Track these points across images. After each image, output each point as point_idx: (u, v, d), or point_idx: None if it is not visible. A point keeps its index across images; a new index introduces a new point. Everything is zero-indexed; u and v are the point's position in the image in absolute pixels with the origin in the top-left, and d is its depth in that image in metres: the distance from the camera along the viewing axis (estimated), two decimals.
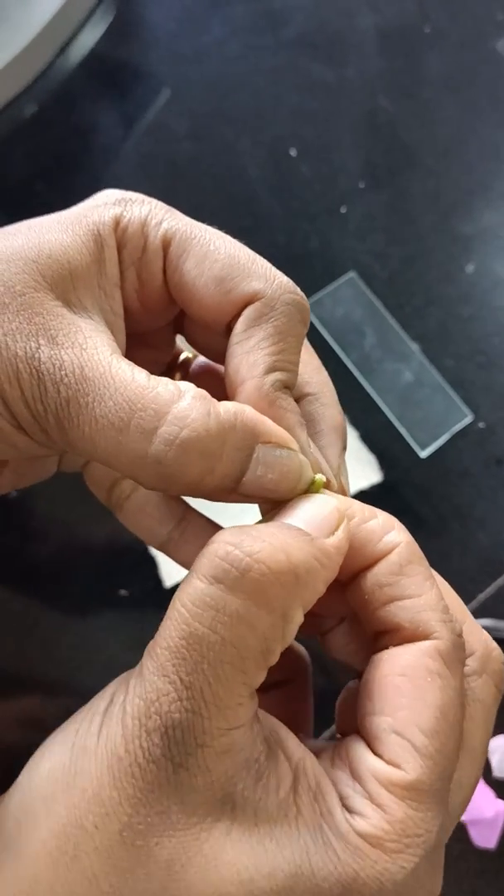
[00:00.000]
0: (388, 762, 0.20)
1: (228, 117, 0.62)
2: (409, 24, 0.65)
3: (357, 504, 0.23)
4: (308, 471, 0.23)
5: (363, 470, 0.51)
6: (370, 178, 0.59)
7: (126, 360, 0.21)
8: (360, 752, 0.21)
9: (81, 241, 0.23)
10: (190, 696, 0.19)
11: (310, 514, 0.22)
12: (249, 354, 0.23)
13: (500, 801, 0.46)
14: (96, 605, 0.48)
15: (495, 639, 0.25)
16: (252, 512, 0.27)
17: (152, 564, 0.48)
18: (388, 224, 0.58)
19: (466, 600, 0.49)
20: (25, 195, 0.60)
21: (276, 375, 0.23)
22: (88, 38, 0.67)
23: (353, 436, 0.52)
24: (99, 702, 0.21)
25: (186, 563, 0.27)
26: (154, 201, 0.25)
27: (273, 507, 0.24)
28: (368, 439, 0.52)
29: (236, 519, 0.28)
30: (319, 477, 0.23)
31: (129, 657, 0.21)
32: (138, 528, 0.28)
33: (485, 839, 0.46)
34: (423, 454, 0.51)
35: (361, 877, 0.19)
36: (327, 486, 0.24)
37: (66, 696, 0.47)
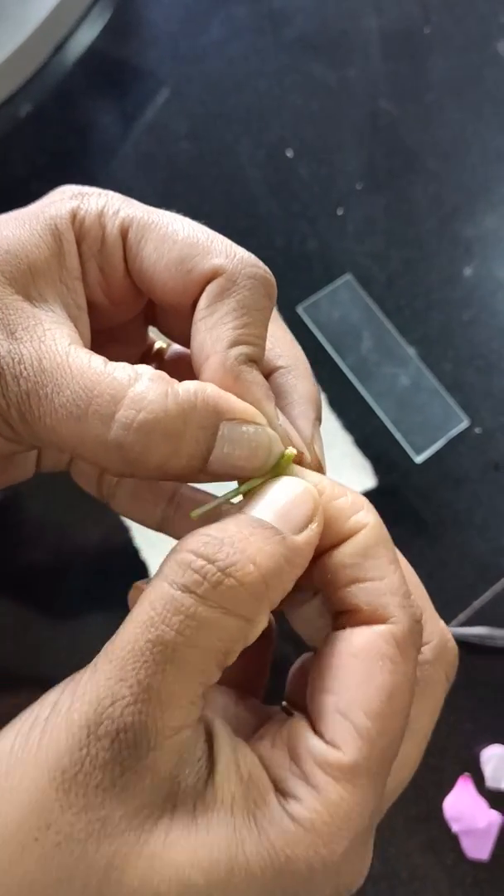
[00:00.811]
0: (328, 742, 0.20)
1: (228, 118, 0.62)
2: (411, 25, 0.65)
3: (327, 480, 0.23)
4: (277, 444, 0.22)
5: (357, 475, 0.50)
6: (369, 179, 0.59)
7: (85, 349, 0.21)
8: (302, 732, 0.21)
9: (39, 236, 0.23)
10: (146, 699, 0.19)
11: (282, 503, 0.22)
12: (213, 330, 0.23)
13: (493, 811, 0.45)
14: (89, 606, 0.48)
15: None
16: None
17: (143, 568, 0.48)
18: (387, 226, 0.57)
19: (462, 607, 0.48)
20: (22, 195, 0.59)
21: (241, 349, 0.23)
22: (86, 36, 0.66)
23: (347, 440, 0.51)
24: (38, 712, 0.20)
25: None
26: (110, 193, 0.25)
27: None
28: (364, 444, 0.51)
29: (223, 487, 0.28)
30: (290, 450, 0.23)
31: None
32: (133, 513, 0.28)
33: (478, 850, 0.45)
34: (419, 459, 0.51)
35: (293, 861, 0.19)
36: (299, 458, 0.24)
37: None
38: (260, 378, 0.23)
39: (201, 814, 0.19)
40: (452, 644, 0.24)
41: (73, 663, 0.45)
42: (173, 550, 0.21)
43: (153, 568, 0.47)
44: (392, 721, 0.20)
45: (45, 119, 0.63)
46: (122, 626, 0.20)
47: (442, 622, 0.24)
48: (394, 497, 0.50)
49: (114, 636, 0.20)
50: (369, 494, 0.49)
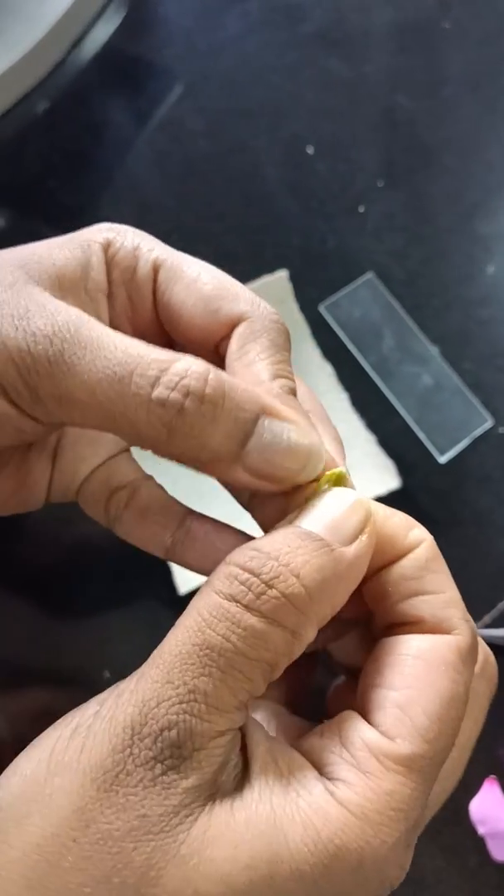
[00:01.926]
0: (384, 733, 0.20)
1: (244, 114, 0.61)
2: (428, 19, 0.64)
3: (375, 503, 0.23)
4: (319, 452, 0.22)
5: (381, 475, 0.50)
6: (388, 176, 0.58)
7: (120, 332, 0.22)
8: (354, 722, 0.21)
9: (69, 252, 0.24)
10: (192, 699, 0.19)
11: (332, 514, 0.22)
12: (251, 366, 0.24)
13: None
14: (110, 610, 0.48)
15: None
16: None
17: (166, 570, 0.47)
18: (407, 224, 0.57)
19: (486, 609, 0.48)
20: (37, 193, 0.59)
21: (283, 382, 0.24)
22: (101, 33, 0.66)
23: (370, 440, 0.51)
24: (79, 720, 0.20)
25: (196, 567, 0.27)
26: (145, 234, 0.26)
27: (278, 500, 0.23)
28: (386, 444, 0.51)
29: (237, 518, 0.28)
30: (340, 469, 0.23)
31: (142, 662, 0.21)
32: (140, 536, 0.28)
33: (503, 853, 0.45)
34: (442, 459, 0.50)
35: (342, 850, 0.19)
36: (343, 480, 0.24)
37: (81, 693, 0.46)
38: (304, 410, 0.24)
39: (239, 809, 0.19)
40: (492, 658, 0.25)
41: (94, 664, 0.46)
42: (223, 563, 0.21)
43: (177, 571, 0.47)
44: (448, 727, 0.21)
45: (61, 116, 0.62)
46: (169, 634, 0.20)
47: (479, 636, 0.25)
48: (416, 497, 0.50)
49: (161, 644, 0.20)
50: (393, 494, 0.49)
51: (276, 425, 0.22)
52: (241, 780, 0.20)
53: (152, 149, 0.61)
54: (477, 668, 0.23)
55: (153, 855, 0.18)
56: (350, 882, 0.19)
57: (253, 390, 0.22)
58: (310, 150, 0.60)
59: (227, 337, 0.25)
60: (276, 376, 0.24)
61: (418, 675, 0.21)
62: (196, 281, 0.25)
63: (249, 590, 0.20)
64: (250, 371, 0.24)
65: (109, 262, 0.25)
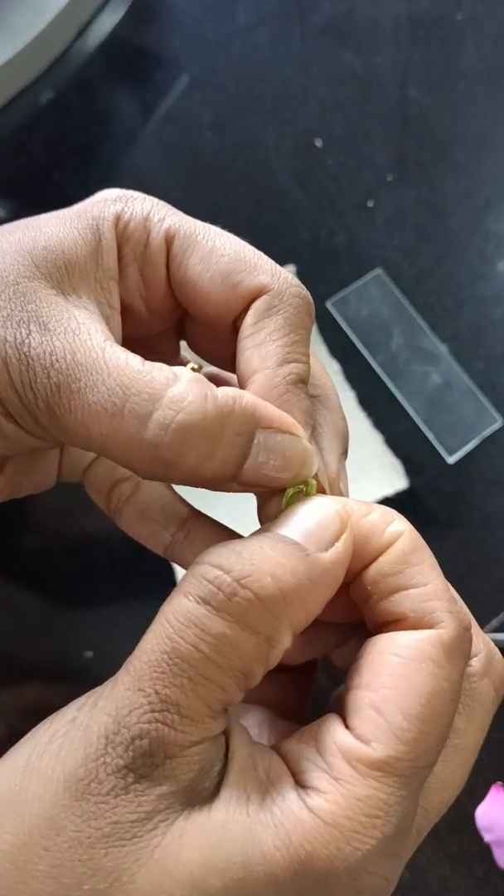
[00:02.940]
0: (358, 738, 0.19)
1: (254, 107, 0.60)
2: (441, 12, 0.63)
3: (353, 502, 0.23)
4: (312, 458, 0.22)
5: (388, 476, 0.49)
6: (399, 171, 0.57)
7: (120, 347, 0.21)
8: (331, 727, 0.20)
9: (78, 234, 0.23)
10: (164, 709, 0.18)
11: (308, 522, 0.21)
12: (262, 346, 0.23)
13: None
14: (112, 607, 0.47)
15: None
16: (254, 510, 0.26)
17: (170, 569, 0.47)
18: (418, 220, 0.56)
19: (494, 613, 0.47)
20: (43, 184, 0.58)
21: (291, 367, 0.23)
22: (107, 22, 0.65)
23: (378, 440, 0.50)
24: (55, 727, 0.20)
25: None
26: (155, 199, 0.25)
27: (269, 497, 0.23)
28: (394, 444, 0.50)
29: (239, 519, 0.27)
30: (312, 480, 0.22)
31: None
32: (141, 532, 0.27)
33: None
34: (451, 460, 0.49)
35: (313, 857, 0.18)
36: (321, 490, 0.23)
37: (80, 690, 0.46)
38: (305, 402, 0.23)
39: (216, 815, 0.19)
40: (500, 656, 0.24)
41: (99, 661, 0.45)
42: (194, 563, 0.20)
43: (179, 568, 0.46)
44: (430, 727, 0.19)
45: (66, 107, 0.61)
46: (142, 639, 0.20)
47: (486, 635, 0.24)
48: (425, 498, 0.49)
49: (135, 650, 0.20)
50: (400, 495, 0.48)
51: (272, 440, 0.21)
52: (220, 783, 0.19)
53: (159, 141, 0.60)
54: (479, 667, 0.22)
55: (125, 860, 0.18)
56: (322, 889, 0.19)
57: (249, 404, 0.21)
58: (318, 143, 0.59)
59: (245, 312, 0.23)
60: (286, 361, 0.23)
61: (395, 673, 0.20)
62: (212, 252, 0.23)
63: (220, 589, 0.19)
64: (260, 351, 0.23)
65: (120, 238, 0.23)
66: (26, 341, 0.20)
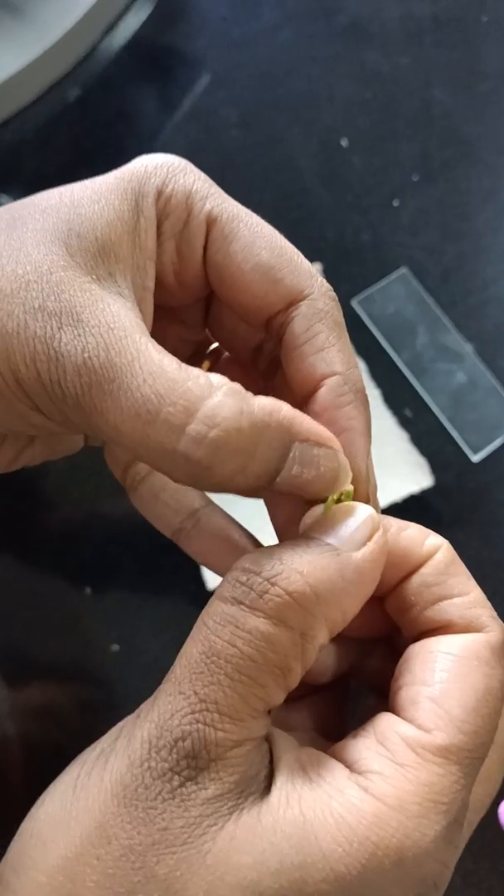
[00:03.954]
0: (420, 727, 0.20)
1: (279, 106, 0.61)
2: (466, 12, 0.63)
3: (390, 518, 0.23)
4: (347, 471, 0.22)
5: (413, 473, 0.49)
6: (424, 171, 0.57)
7: (155, 345, 0.20)
8: (389, 719, 0.21)
9: (114, 212, 0.22)
10: (204, 708, 0.18)
11: (339, 523, 0.21)
12: (324, 352, 0.23)
13: None
14: (137, 605, 0.47)
15: None
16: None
17: (195, 566, 0.47)
18: (443, 219, 0.56)
19: None
20: (68, 180, 0.58)
21: (355, 373, 0.23)
22: (134, 21, 0.65)
23: (403, 438, 0.50)
24: (104, 744, 0.20)
25: (199, 556, 0.27)
26: (197, 172, 0.24)
27: (293, 506, 0.23)
28: (419, 442, 0.50)
29: (252, 517, 0.28)
30: (349, 488, 0.23)
31: (170, 659, 0.21)
32: (151, 513, 0.27)
33: None
34: (476, 458, 0.50)
35: (380, 848, 0.18)
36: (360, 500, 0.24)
37: (108, 689, 0.46)
38: (368, 413, 0.23)
39: (266, 815, 0.19)
40: None
41: (123, 661, 0.44)
42: (229, 571, 0.21)
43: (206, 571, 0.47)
44: (485, 721, 0.20)
45: (92, 104, 0.62)
46: (183, 647, 0.20)
47: None
48: (449, 496, 0.49)
49: (176, 658, 0.20)
50: (425, 493, 0.48)
51: (308, 453, 0.21)
52: (269, 785, 0.19)
53: (185, 139, 0.60)
54: None
55: (177, 867, 0.18)
56: (389, 880, 0.18)
57: (286, 418, 0.20)
58: (344, 142, 0.59)
59: (283, 311, 0.23)
60: (351, 365, 0.23)
61: (451, 669, 0.21)
62: (253, 244, 0.23)
63: (252, 589, 0.19)
64: (323, 358, 0.23)
65: (161, 213, 0.23)
66: (56, 336, 0.19)
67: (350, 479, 0.22)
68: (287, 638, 0.19)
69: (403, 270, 0.54)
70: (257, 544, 0.26)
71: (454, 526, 0.48)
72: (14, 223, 0.22)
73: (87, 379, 0.19)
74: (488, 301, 0.53)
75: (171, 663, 0.20)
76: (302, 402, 0.23)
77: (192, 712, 0.19)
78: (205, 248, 0.24)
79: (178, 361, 0.20)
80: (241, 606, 0.19)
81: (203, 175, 0.24)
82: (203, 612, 0.20)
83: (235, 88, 0.62)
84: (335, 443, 0.22)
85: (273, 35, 0.63)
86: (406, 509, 0.48)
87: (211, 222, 0.23)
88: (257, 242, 0.23)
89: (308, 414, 0.23)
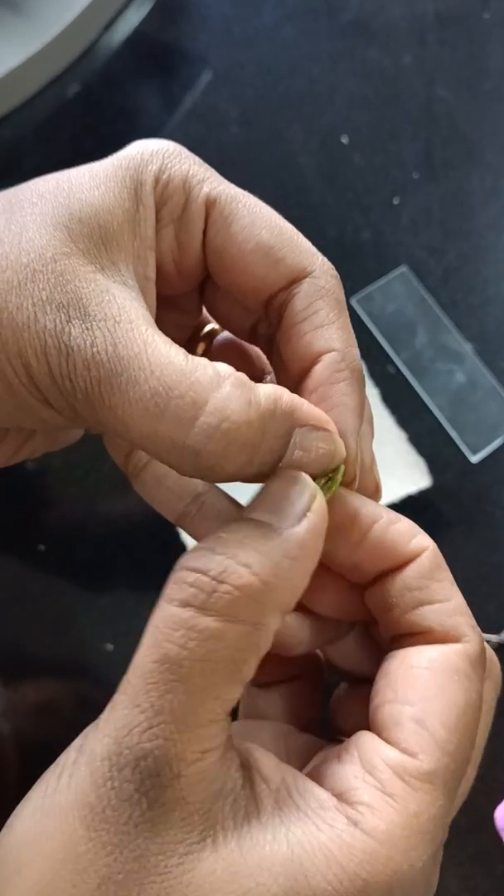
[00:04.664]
0: (404, 751, 0.19)
1: (280, 103, 0.60)
2: (469, 11, 0.63)
3: (382, 507, 0.23)
4: (341, 453, 0.22)
5: (412, 474, 0.49)
6: (425, 169, 0.57)
7: (161, 336, 0.20)
8: (372, 743, 0.20)
9: (114, 198, 0.21)
10: (162, 721, 0.18)
11: (276, 499, 0.21)
12: (323, 329, 0.23)
13: None
14: (134, 604, 0.47)
15: None
16: None
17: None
18: (444, 218, 0.55)
19: None
20: None
21: (353, 352, 0.23)
22: (134, 17, 0.65)
23: (401, 438, 0.50)
24: (66, 757, 0.19)
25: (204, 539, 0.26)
26: (193, 156, 0.24)
27: None
28: (417, 442, 0.50)
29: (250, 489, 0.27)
30: (341, 467, 0.22)
31: None
32: (154, 499, 0.27)
33: None
34: (475, 459, 0.49)
35: (370, 884, 0.18)
36: (364, 481, 0.24)
37: (103, 688, 0.46)
38: (362, 393, 0.23)
39: (250, 849, 0.18)
40: (496, 659, 0.24)
41: (118, 660, 0.44)
42: (173, 570, 0.20)
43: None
44: (465, 737, 0.20)
45: (92, 100, 0.61)
46: (135, 655, 0.20)
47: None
48: (448, 497, 0.49)
49: (129, 667, 0.20)
50: (423, 494, 0.48)
51: (307, 438, 0.21)
52: (250, 815, 0.19)
53: (185, 135, 0.60)
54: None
55: None
56: None
57: (287, 403, 0.20)
58: (345, 140, 0.59)
59: (284, 289, 0.23)
60: (349, 344, 0.23)
61: (432, 686, 0.20)
62: (254, 224, 0.23)
63: (201, 590, 0.19)
64: (323, 335, 0.22)
65: (159, 199, 0.22)
66: (66, 329, 0.19)
67: (342, 459, 0.22)
68: (237, 632, 0.19)
69: (403, 269, 0.54)
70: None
71: (452, 527, 0.48)
72: (12, 207, 0.21)
73: (97, 373, 0.19)
74: (489, 301, 0.53)
75: None
76: (297, 379, 0.23)
77: (151, 727, 0.18)
78: (204, 233, 0.23)
79: (185, 352, 0.20)
80: (191, 608, 0.19)
81: (198, 159, 0.24)
82: (153, 615, 0.20)
83: (237, 85, 0.61)
84: (331, 425, 0.22)
85: (275, 32, 0.63)
86: (404, 510, 0.47)
87: (210, 205, 0.23)
88: (257, 222, 0.23)
89: (302, 389, 0.23)
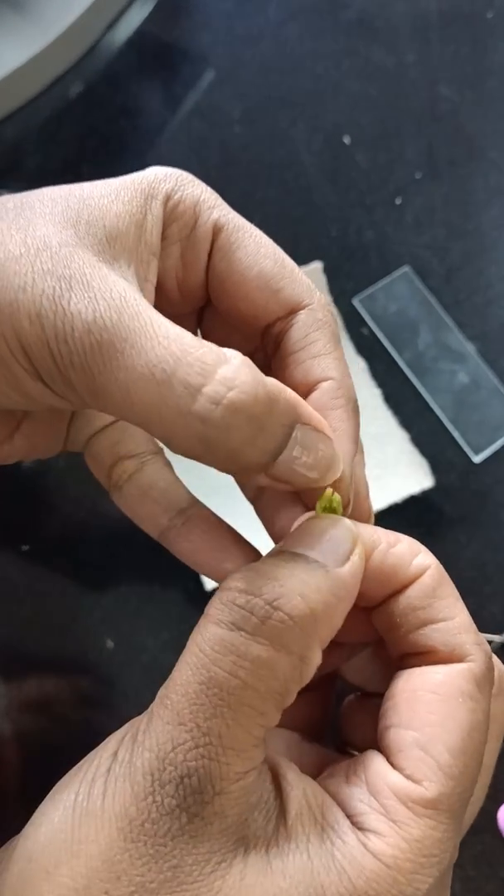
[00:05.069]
0: (409, 777, 0.20)
1: (283, 102, 0.60)
2: (472, 9, 0.63)
3: (381, 530, 0.23)
4: (340, 463, 0.22)
5: (414, 474, 0.49)
6: (429, 168, 0.57)
7: (167, 319, 0.20)
8: (379, 767, 0.21)
9: (123, 206, 0.22)
10: (208, 742, 0.18)
11: (323, 538, 0.21)
12: (320, 358, 0.23)
13: None
14: (136, 604, 0.47)
15: None
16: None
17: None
18: (447, 217, 0.55)
19: None
20: (71, 176, 0.58)
21: (349, 382, 0.24)
22: (137, 16, 0.65)
23: (404, 438, 0.50)
24: (99, 762, 0.20)
25: (187, 556, 0.26)
26: (205, 186, 0.25)
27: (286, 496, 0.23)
28: (420, 442, 0.50)
29: (239, 516, 0.27)
30: (337, 496, 0.23)
31: (168, 658, 0.20)
32: (138, 512, 0.27)
33: None
34: (477, 459, 0.49)
35: None
36: (359, 508, 0.24)
37: (105, 687, 0.46)
38: (357, 422, 0.24)
39: (276, 857, 0.19)
40: None
41: (120, 659, 0.44)
42: (218, 590, 0.20)
43: None
44: (472, 759, 0.20)
45: (95, 100, 0.61)
46: (174, 670, 0.20)
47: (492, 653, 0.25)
48: (451, 497, 0.49)
49: (167, 680, 0.20)
50: (426, 494, 0.48)
51: (309, 437, 0.21)
52: (277, 824, 0.19)
53: (188, 134, 0.60)
54: (495, 689, 0.23)
55: None
56: None
57: (291, 396, 0.20)
58: (348, 139, 0.58)
59: (282, 319, 0.24)
60: (345, 374, 0.23)
61: (436, 710, 0.20)
62: (257, 253, 0.24)
63: (252, 613, 0.19)
64: (319, 364, 0.23)
65: (167, 217, 0.23)
66: (66, 296, 0.19)
67: (339, 474, 0.22)
68: (288, 663, 0.19)
69: (406, 269, 0.54)
70: (247, 544, 0.25)
71: (455, 527, 0.48)
72: (22, 206, 0.22)
73: (98, 337, 0.19)
74: (492, 301, 0.53)
75: (168, 662, 0.20)
76: None
77: (196, 746, 0.18)
78: (209, 257, 0.24)
79: (191, 333, 0.20)
80: (242, 633, 0.19)
81: (210, 188, 0.25)
82: (196, 634, 0.20)
83: (239, 84, 0.61)
84: (331, 433, 0.22)
85: (278, 31, 0.63)
86: (406, 510, 0.48)
87: (217, 230, 0.24)
88: (261, 252, 0.24)
89: None
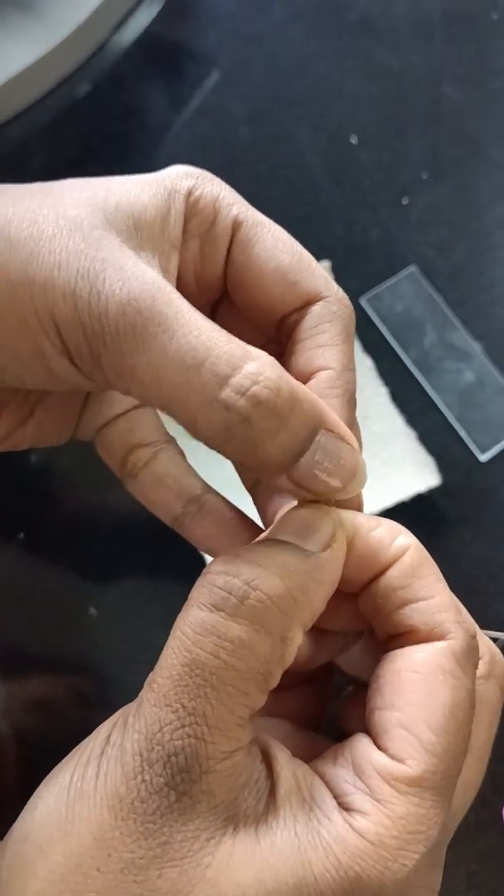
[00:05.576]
0: (392, 757, 0.20)
1: (288, 102, 0.60)
2: (476, 10, 0.63)
3: (360, 515, 0.23)
4: (364, 475, 0.22)
5: (420, 472, 0.49)
6: (434, 168, 0.57)
7: (196, 309, 0.21)
8: (364, 748, 0.21)
9: (149, 198, 0.22)
10: (193, 722, 0.19)
11: (304, 525, 0.22)
12: (326, 348, 0.24)
13: None
14: (142, 601, 0.47)
15: None
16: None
17: (201, 564, 0.47)
18: (452, 217, 0.56)
19: None
20: (78, 175, 0.58)
21: (350, 375, 0.24)
22: (144, 17, 0.65)
23: (410, 436, 0.50)
24: (93, 746, 0.20)
25: (201, 542, 0.27)
26: (225, 183, 0.25)
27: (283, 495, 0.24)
28: (426, 440, 0.50)
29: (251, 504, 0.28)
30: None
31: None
32: (152, 500, 0.27)
33: None
34: (484, 458, 0.49)
35: (362, 878, 0.19)
36: (352, 501, 0.24)
37: (112, 686, 0.46)
38: (349, 415, 0.24)
39: (264, 835, 0.19)
40: (500, 657, 0.25)
41: (127, 657, 0.44)
42: (202, 575, 0.21)
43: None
44: (455, 736, 0.20)
45: (102, 99, 0.62)
46: (161, 654, 0.20)
47: (487, 637, 0.25)
48: (456, 496, 0.49)
49: (155, 665, 0.20)
50: (432, 492, 0.48)
51: (331, 444, 0.21)
52: (268, 804, 0.20)
53: (193, 134, 0.60)
54: (484, 669, 0.23)
55: (179, 880, 0.18)
56: None
57: (317, 402, 0.21)
58: (353, 139, 0.59)
59: (297, 311, 0.24)
60: (348, 367, 0.24)
61: (417, 689, 0.21)
62: (276, 247, 0.24)
63: (231, 594, 0.20)
64: (324, 353, 0.23)
65: (189, 211, 0.24)
66: (100, 276, 0.20)
67: (365, 481, 0.22)
68: (269, 644, 0.20)
69: (412, 268, 0.54)
70: (260, 530, 0.26)
71: (461, 525, 0.48)
72: (50, 189, 0.22)
73: (132, 319, 0.19)
74: (497, 299, 0.53)
75: None
76: None
77: (182, 726, 0.19)
78: (228, 251, 0.25)
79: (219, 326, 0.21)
80: (221, 614, 0.20)
81: (229, 186, 0.25)
82: (179, 618, 0.20)
83: (244, 85, 0.62)
84: (355, 443, 0.22)
85: (282, 31, 0.63)
86: (413, 508, 0.48)
87: (236, 226, 0.24)
88: (279, 246, 0.24)
89: None
